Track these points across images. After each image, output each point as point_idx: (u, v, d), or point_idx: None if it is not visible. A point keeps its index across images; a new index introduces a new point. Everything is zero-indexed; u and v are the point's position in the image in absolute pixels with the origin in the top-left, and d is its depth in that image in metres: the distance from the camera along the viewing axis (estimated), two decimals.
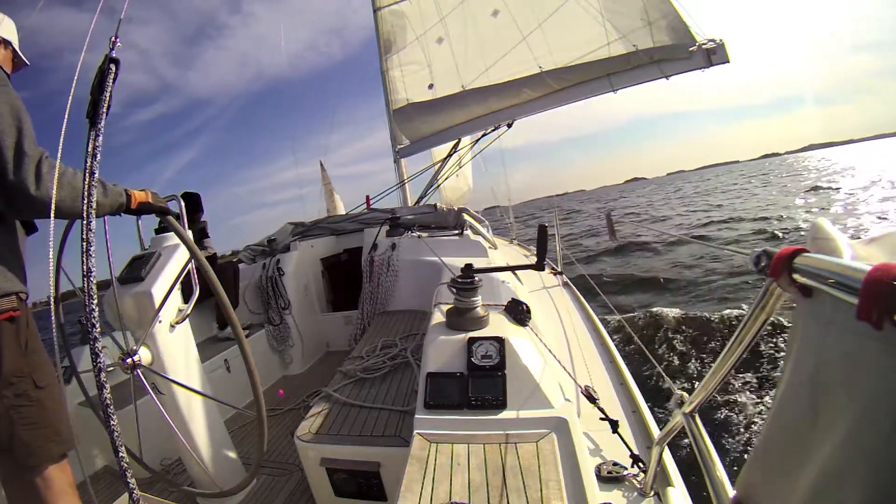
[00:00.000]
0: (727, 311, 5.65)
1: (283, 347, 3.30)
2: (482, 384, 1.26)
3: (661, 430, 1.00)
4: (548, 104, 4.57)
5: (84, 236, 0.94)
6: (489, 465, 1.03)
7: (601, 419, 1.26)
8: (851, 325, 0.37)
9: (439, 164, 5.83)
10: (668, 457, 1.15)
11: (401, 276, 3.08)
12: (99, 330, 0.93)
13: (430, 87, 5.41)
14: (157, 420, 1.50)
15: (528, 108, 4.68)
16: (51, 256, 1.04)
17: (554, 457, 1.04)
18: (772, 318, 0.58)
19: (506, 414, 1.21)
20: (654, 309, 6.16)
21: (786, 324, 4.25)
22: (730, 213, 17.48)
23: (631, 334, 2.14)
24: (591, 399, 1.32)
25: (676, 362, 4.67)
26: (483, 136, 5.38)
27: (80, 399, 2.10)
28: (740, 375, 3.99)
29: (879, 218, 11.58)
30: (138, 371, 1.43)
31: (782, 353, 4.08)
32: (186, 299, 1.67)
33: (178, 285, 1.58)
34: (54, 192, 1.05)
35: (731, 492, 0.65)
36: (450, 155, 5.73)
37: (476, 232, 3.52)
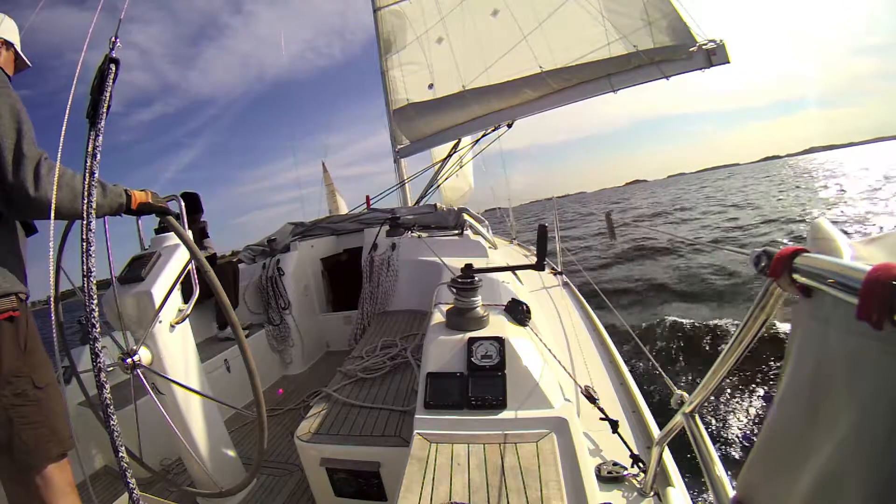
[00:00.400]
0: (729, 311, 5.65)
1: (283, 347, 3.30)
2: (482, 384, 1.26)
3: (661, 430, 1.00)
4: (548, 104, 4.57)
5: (84, 236, 0.94)
6: (489, 465, 1.03)
7: (601, 419, 1.26)
8: (851, 325, 0.37)
9: (439, 165, 5.83)
10: (668, 457, 1.15)
11: (401, 276, 3.08)
12: (99, 330, 0.93)
13: (430, 87, 5.41)
14: (157, 420, 1.50)
15: (529, 108, 4.68)
16: (51, 257, 1.04)
17: (554, 457, 1.04)
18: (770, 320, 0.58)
19: (506, 414, 1.21)
20: (655, 309, 6.15)
21: (777, 324, 4.25)
22: (764, 214, 16.72)
23: (631, 334, 2.13)
24: (591, 399, 1.32)
25: (676, 362, 4.67)
26: (483, 136, 5.39)
27: (80, 399, 2.10)
28: (740, 375, 3.99)
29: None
30: (138, 371, 1.43)
31: (782, 354, 4.07)
32: (186, 299, 1.67)
33: (178, 285, 1.58)
34: (54, 193, 1.05)
35: (731, 492, 0.65)
36: (450, 155, 5.73)
37: (476, 232, 3.52)
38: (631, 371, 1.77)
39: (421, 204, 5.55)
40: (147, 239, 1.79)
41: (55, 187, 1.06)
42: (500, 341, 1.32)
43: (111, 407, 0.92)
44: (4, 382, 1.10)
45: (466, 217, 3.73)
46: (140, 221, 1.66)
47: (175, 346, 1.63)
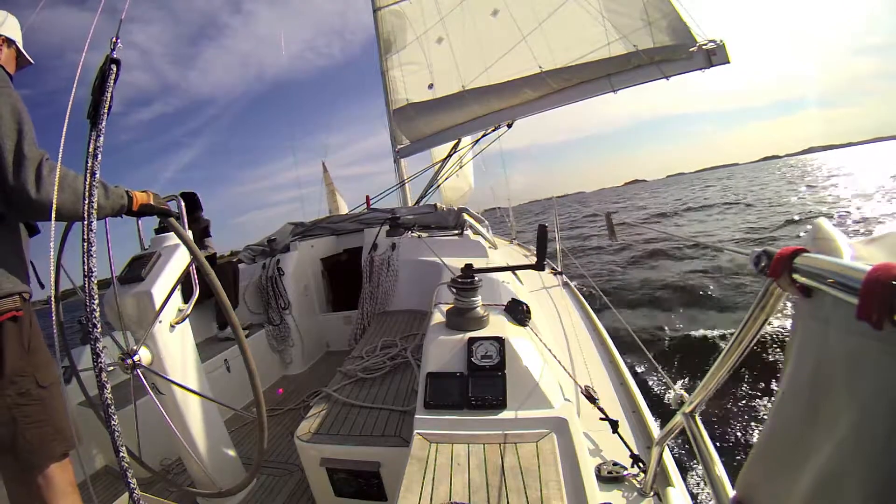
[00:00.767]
0: (730, 311, 5.64)
1: (283, 347, 3.30)
2: (482, 384, 1.26)
3: (661, 430, 1.00)
4: (548, 104, 4.57)
5: (85, 237, 0.94)
6: (489, 465, 1.03)
7: (601, 419, 1.26)
8: (851, 325, 0.37)
9: (439, 165, 5.83)
10: (668, 457, 1.15)
11: (401, 276, 3.08)
12: (100, 330, 0.93)
13: (430, 86, 5.41)
14: (157, 420, 1.50)
15: (528, 108, 4.68)
16: (51, 257, 1.04)
17: (554, 457, 1.04)
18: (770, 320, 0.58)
19: (506, 414, 1.21)
20: (656, 309, 6.15)
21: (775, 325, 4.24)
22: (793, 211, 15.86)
23: (631, 334, 2.13)
24: (591, 399, 1.32)
25: (676, 362, 4.66)
26: (483, 136, 5.39)
27: (81, 399, 2.10)
28: (740, 375, 3.99)
29: None
30: (138, 371, 1.43)
31: (782, 354, 4.07)
32: (186, 299, 1.67)
33: (178, 285, 1.58)
34: (55, 195, 1.05)
35: (731, 492, 0.65)
36: (450, 155, 5.73)
37: (476, 232, 3.52)
38: (631, 371, 1.77)
39: (421, 204, 5.55)
40: (147, 239, 1.79)
41: (56, 189, 1.06)
42: (500, 341, 1.32)
43: (112, 407, 0.92)
44: (8, 382, 1.10)
45: (466, 217, 3.73)
46: (140, 221, 1.66)
47: (175, 346, 1.63)
